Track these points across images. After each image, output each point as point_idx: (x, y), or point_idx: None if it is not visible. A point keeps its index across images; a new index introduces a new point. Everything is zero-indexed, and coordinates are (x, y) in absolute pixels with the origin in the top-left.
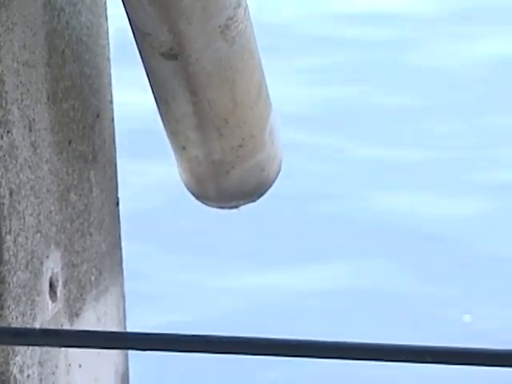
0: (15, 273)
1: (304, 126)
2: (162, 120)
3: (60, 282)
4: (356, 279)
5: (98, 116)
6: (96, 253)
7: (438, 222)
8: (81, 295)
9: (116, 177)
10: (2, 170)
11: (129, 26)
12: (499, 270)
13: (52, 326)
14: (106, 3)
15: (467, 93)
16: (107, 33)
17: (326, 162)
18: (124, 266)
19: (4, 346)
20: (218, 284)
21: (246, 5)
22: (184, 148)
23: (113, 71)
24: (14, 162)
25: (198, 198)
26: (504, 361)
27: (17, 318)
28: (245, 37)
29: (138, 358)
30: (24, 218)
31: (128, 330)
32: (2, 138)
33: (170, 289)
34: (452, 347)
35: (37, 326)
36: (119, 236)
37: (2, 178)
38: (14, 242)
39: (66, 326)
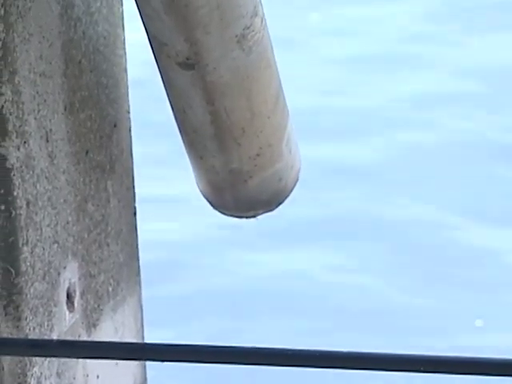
0: (32, 284)
1: None
2: (180, 130)
3: (77, 293)
4: None
5: (115, 126)
6: (113, 263)
7: None
8: (98, 306)
9: (133, 187)
10: (19, 180)
11: (146, 36)
12: None
13: (69, 337)
14: (122, 13)
15: None
16: (124, 43)
17: None
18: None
19: (21, 357)
20: None
21: (263, 14)
22: (201, 157)
23: None
24: (31, 172)
25: (215, 207)
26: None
27: (34, 328)
28: (262, 46)
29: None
30: (41, 229)
31: (146, 340)
32: (18, 148)
33: None
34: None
35: (54, 336)
36: (136, 246)
37: (18, 189)
38: (31, 252)
39: (84, 337)
